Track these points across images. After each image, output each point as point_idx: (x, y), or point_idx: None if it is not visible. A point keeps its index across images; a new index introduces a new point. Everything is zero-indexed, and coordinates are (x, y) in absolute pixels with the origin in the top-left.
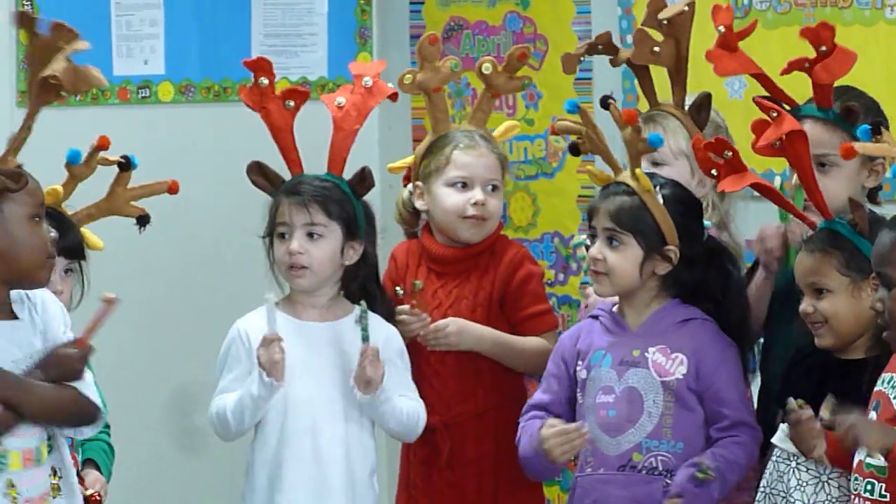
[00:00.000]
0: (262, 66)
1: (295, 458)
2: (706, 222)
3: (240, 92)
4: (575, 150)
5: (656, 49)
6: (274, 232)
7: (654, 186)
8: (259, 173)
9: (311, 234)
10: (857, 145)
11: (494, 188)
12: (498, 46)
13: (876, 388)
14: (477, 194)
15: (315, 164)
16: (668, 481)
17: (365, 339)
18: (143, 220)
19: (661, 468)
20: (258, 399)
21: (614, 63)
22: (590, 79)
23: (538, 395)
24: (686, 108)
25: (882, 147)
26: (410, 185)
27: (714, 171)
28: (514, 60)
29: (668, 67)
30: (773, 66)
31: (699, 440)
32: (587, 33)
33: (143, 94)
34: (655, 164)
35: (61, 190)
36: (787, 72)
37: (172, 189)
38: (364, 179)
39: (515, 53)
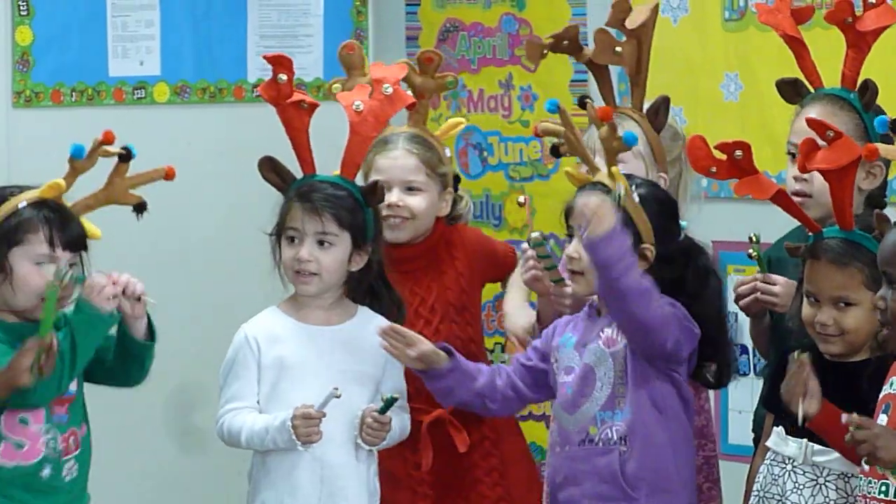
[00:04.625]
0: (281, 63)
1: (303, 461)
2: (682, 222)
3: (259, 87)
4: (555, 151)
5: (618, 49)
6: (282, 233)
7: (630, 186)
8: (271, 169)
9: (321, 242)
10: (882, 148)
11: (412, 189)
12: (493, 48)
13: (885, 392)
14: (391, 196)
15: (320, 162)
16: (623, 449)
17: (383, 411)
18: (139, 208)
19: (615, 437)
20: (280, 448)
21: (579, 60)
22: (585, 80)
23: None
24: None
25: None
26: None
27: (713, 169)
28: (421, 64)
29: (630, 68)
30: (770, 67)
31: (646, 395)
32: (583, 35)
33: (139, 95)
34: None
35: (64, 184)
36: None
37: (169, 175)
38: (375, 192)
39: (422, 57)
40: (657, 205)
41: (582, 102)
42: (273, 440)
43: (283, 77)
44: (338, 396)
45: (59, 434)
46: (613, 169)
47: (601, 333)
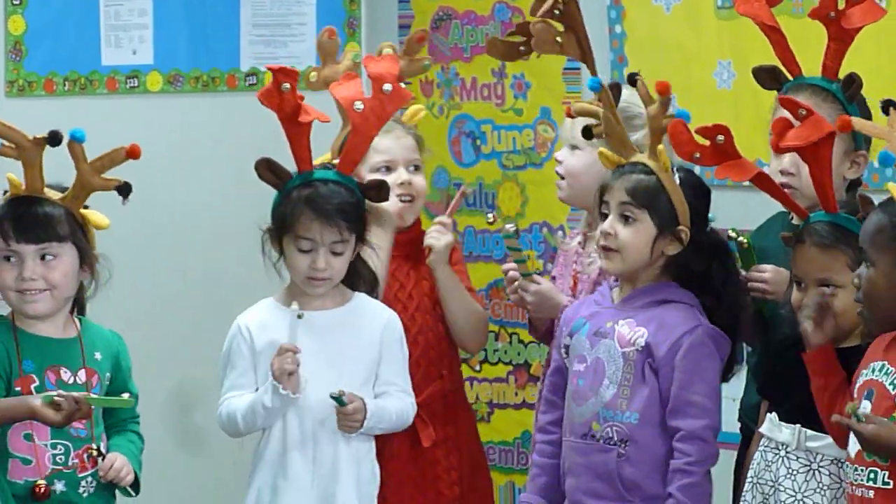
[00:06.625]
0: (288, 74)
1: (296, 443)
2: (710, 215)
3: (259, 94)
4: (587, 133)
5: (559, 40)
6: (287, 235)
7: (672, 167)
8: (268, 169)
9: (334, 250)
10: (855, 121)
11: (416, 168)
12: (486, 36)
13: (866, 377)
14: (402, 174)
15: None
16: (622, 451)
17: (342, 404)
18: (122, 191)
19: (616, 438)
20: (271, 410)
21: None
22: (578, 68)
23: (552, 364)
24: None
25: (881, 128)
26: None
27: (697, 155)
28: (413, 43)
29: (575, 57)
30: (763, 55)
31: (655, 413)
32: None
33: (132, 84)
34: (573, 147)
35: (17, 179)
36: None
37: (132, 153)
38: (380, 191)
39: (415, 37)
40: (694, 189)
41: (632, 80)
42: (262, 404)
43: (287, 86)
44: (300, 317)
45: (71, 450)
46: (660, 147)
47: (616, 326)
